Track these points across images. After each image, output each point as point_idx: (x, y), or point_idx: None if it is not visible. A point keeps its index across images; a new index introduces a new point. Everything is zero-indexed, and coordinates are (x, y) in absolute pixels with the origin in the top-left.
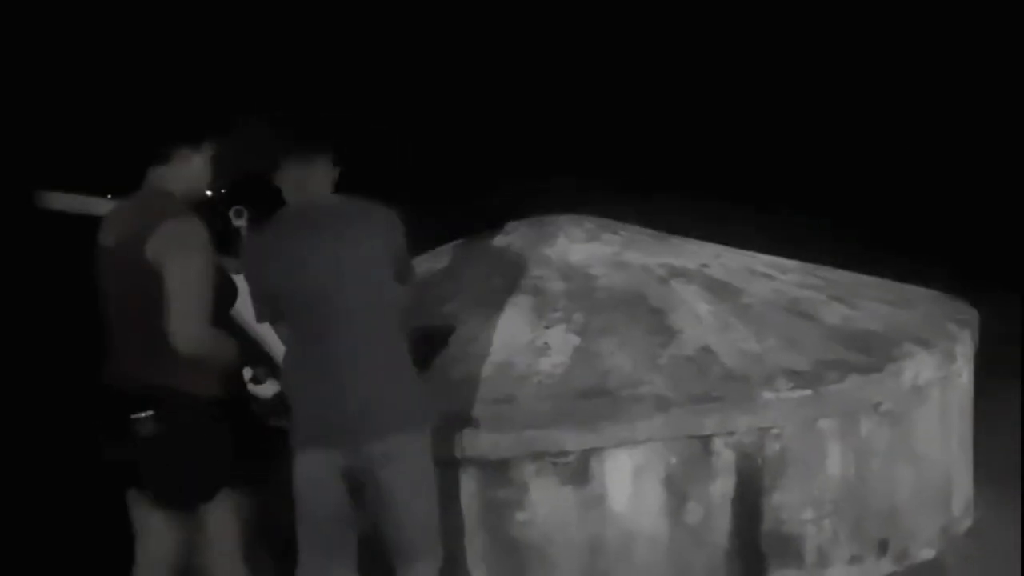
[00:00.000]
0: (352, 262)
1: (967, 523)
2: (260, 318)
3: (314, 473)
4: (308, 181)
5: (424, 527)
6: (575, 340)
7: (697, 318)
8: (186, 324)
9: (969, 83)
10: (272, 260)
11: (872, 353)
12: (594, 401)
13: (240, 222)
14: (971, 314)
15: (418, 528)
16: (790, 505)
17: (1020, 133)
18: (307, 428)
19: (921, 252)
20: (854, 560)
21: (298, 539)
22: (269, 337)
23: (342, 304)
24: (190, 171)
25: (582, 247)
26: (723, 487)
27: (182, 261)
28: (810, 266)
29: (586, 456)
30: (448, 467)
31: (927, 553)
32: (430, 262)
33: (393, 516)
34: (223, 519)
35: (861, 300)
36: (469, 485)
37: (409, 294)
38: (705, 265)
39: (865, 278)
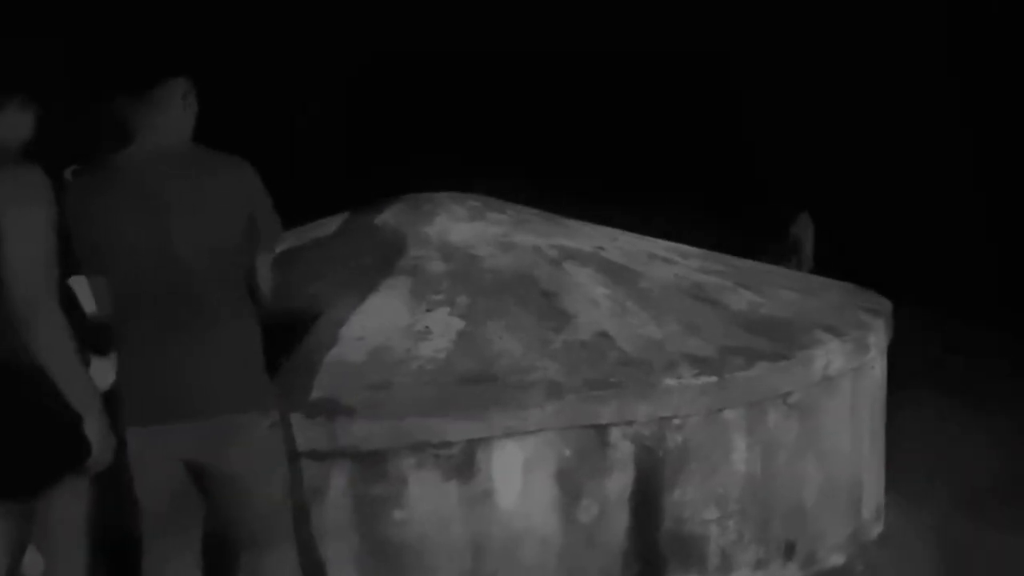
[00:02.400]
0: (198, 222)
1: (877, 529)
2: (82, 271)
3: (150, 453)
4: (151, 122)
5: (273, 513)
6: (459, 324)
7: (592, 302)
8: (30, 286)
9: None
10: (102, 212)
11: (780, 340)
12: (480, 387)
13: None
14: (884, 304)
15: (266, 514)
16: (692, 503)
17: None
18: (142, 404)
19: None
20: (759, 564)
21: (144, 540)
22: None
23: (185, 267)
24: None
25: (465, 226)
26: (620, 482)
27: (23, 214)
28: (713, 253)
29: (471, 447)
30: (317, 460)
31: (836, 559)
32: (297, 240)
33: (237, 501)
34: (66, 510)
35: (768, 287)
36: (340, 480)
37: (268, 264)
38: (601, 248)
39: (771, 267)
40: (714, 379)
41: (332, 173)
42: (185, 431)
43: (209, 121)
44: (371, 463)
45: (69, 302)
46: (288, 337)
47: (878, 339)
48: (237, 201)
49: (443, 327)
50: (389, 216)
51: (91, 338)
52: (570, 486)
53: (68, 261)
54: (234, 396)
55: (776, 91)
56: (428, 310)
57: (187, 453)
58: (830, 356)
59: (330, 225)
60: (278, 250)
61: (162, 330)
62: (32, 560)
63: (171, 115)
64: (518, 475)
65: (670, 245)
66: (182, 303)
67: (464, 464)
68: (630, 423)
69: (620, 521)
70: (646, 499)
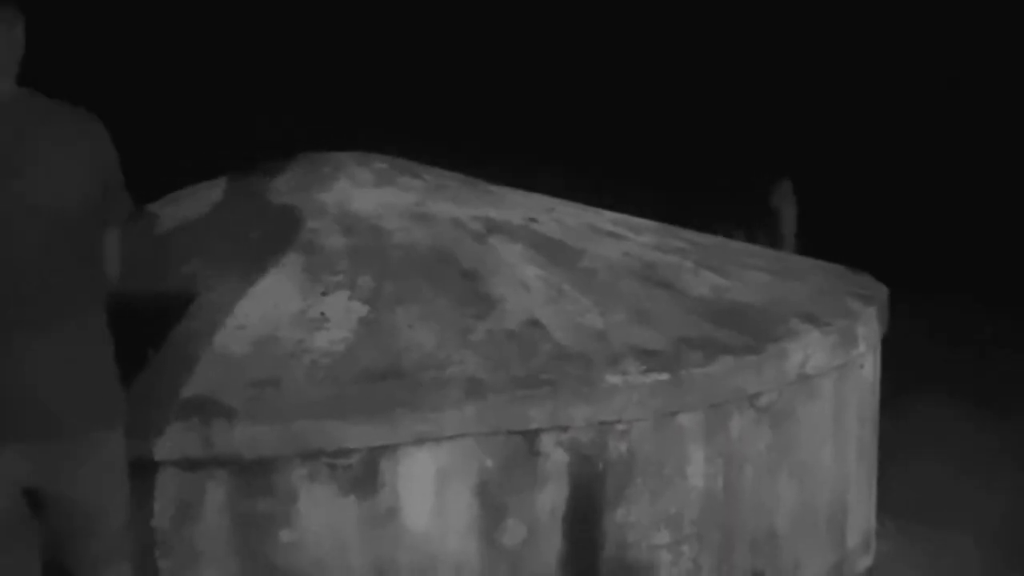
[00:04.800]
0: (35, 185)
1: (866, 561)
2: None
3: None
4: None
5: (117, 535)
6: (361, 310)
7: (523, 285)
8: None
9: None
10: None
11: (748, 331)
12: (386, 385)
13: None
14: (878, 290)
15: (110, 537)
16: (639, 525)
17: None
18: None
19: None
20: None
21: None
22: None
23: (17, 252)
24: None
25: (370, 193)
26: (552, 499)
27: None
28: (672, 228)
29: (374, 456)
30: (189, 470)
31: None
32: (166, 207)
33: (82, 527)
34: None
35: (736, 268)
36: (217, 494)
37: (116, 240)
38: (533, 220)
39: (741, 244)
40: (666, 376)
41: (207, 129)
42: (21, 453)
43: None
44: (255, 474)
45: None
46: (157, 325)
47: (868, 331)
48: (84, 162)
49: (342, 314)
50: (280, 181)
51: None
52: (492, 503)
53: None
54: (81, 410)
55: (755, 41)
56: (324, 293)
57: (24, 478)
58: (808, 350)
59: (208, 192)
60: (136, 222)
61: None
62: None
63: (8, 51)
64: (430, 490)
65: (619, 217)
66: (13, 291)
67: (365, 476)
68: (565, 429)
69: (552, 545)
70: (583, 519)
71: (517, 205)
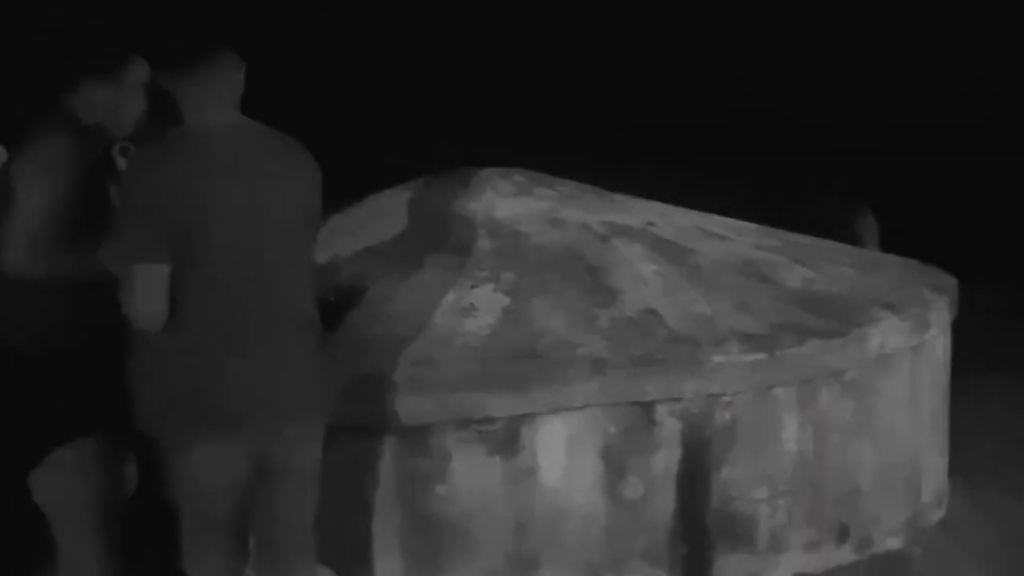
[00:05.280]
0: (276, 208)
1: (938, 514)
2: (132, 255)
3: (218, 468)
4: (212, 95)
5: (311, 527)
6: (504, 300)
7: (641, 279)
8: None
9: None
10: (178, 190)
11: (835, 318)
12: (524, 363)
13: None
14: (948, 281)
15: (308, 528)
16: (741, 482)
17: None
18: (208, 412)
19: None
20: (811, 546)
21: (188, 542)
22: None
23: (261, 258)
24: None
25: (511, 202)
26: (666, 460)
27: (25, 184)
28: (769, 229)
29: (515, 423)
30: (361, 435)
31: (892, 543)
32: (337, 217)
33: (286, 513)
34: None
35: (824, 264)
36: (384, 455)
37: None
38: (651, 223)
39: (829, 243)
40: (764, 356)
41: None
42: (257, 441)
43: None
44: (415, 438)
45: None
46: (334, 313)
47: (940, 317)
48: (310, 191)
49: (488, 304)
50: (435, 192)
51: None
52: (615, 463)
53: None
54: (306, 398)
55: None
56: (473, 287)
57: (254, 465)
58: (886, 334)
59: (375, 202)
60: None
61: (235, 327)
62: None
63: (235, 90)
64: (562, 452)
65: (724, 221)
66: (263, 298)
67: (508, 440)
68: (677, 400)
69: (666, 499)
70: (693, 477)
71: (637, 211)
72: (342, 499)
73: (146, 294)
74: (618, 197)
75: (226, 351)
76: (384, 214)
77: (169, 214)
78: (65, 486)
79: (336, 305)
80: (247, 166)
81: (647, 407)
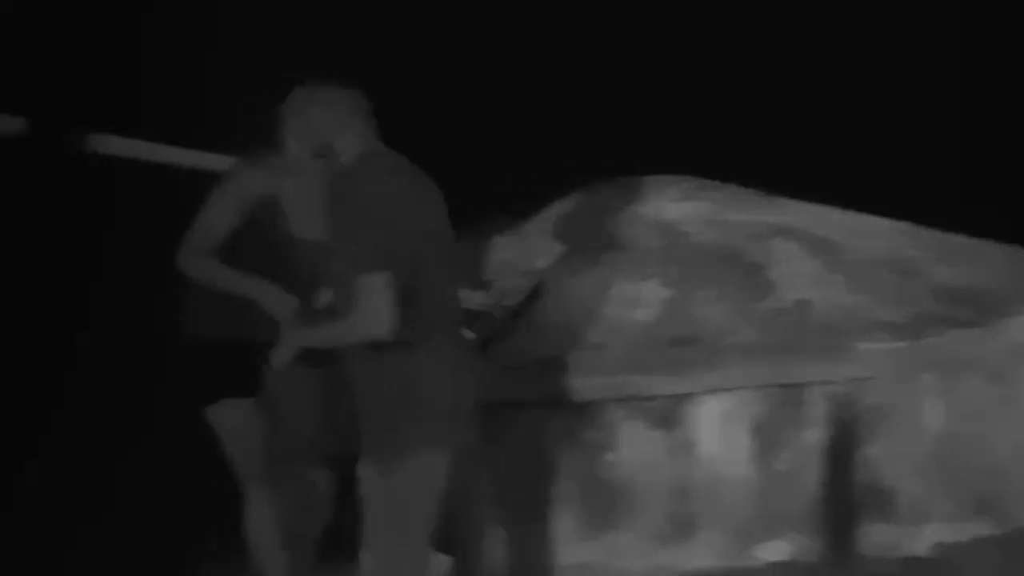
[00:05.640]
0: (447, 230)
1: None
2: (375, 263)
3: (443, 477)
4: (369, 128)
5: None
6: (667, 293)
7: (796, 274)
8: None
9: None
10: (404, 205)
11: (977, 309)
12: (685, 349)
13: None
14: None
15: None
16: (885, 458)
17: None
18: (437, 421)
19: None
20: (951, 519)
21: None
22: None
23: (437, 271)
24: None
25: (678, 205)
26: (816, 437)
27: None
28: (917, 227)
29: (676, 401)
30: (540, 409)
31: None
32: (526, 221)
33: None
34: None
35: (973, 260)
36: (560, 426)
37: None
38: (808, 223)
39: (981, 242)
40: (907, 344)
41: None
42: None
43: None
44: (586, 412)
45: None
46: (519, 305)
47: None
48: (440, 211)
49: (653, 296)
50: (607, 198)
51: None
52: (767, 439)
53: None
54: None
55: None
56: (640, 281)
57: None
58: None
59: (554, 208)
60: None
61: (447, 339)
62: None
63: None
64: (718, 427)
65: (880, 220)
66: (440, 312)
67: (669, 416)
68: (825, 383)
69: (815, 472)
70: (840, 453)
71: (796, 211)
72: (523, 466)
73: (388, 302)
74: (778, 199)
75: (435, 357)
76: (562, 218)
77: (399, 226)
78: (244, 419)
79: (522, 298)
80: (424, 187)
81: (798, 389)
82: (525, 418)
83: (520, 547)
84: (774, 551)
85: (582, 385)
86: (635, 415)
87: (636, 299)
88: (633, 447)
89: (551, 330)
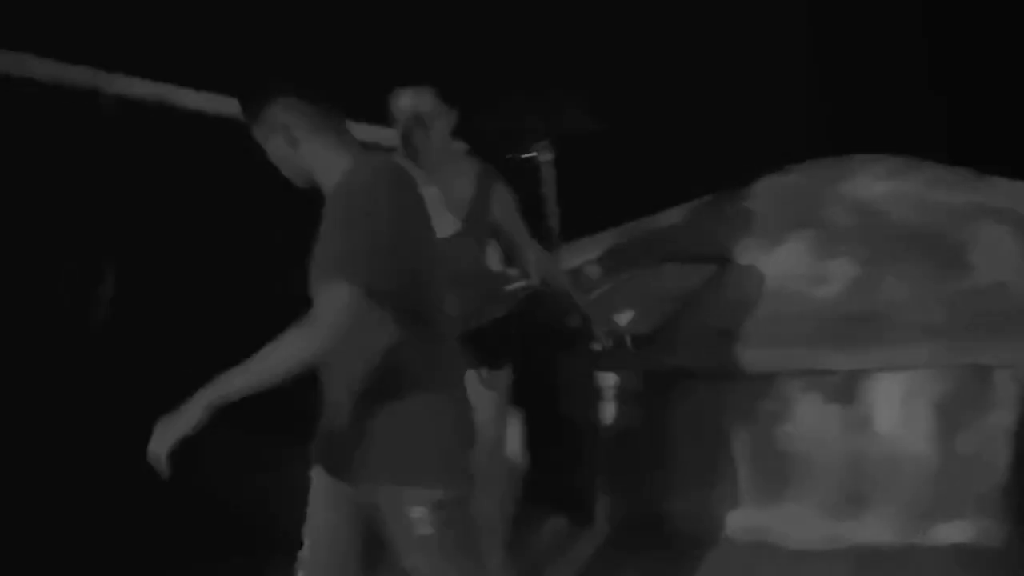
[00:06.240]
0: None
1: None
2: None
3: None
4: None
5: None
6: (855, 271)
7: (998, 256)
8: None
9: None
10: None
11: None
12: (863, 325)
13: (546, 158)
14: None
15: None
16: None
17: None
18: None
19: None
20: None
21: None
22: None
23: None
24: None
25: (879, 184)
26: (1001, 419)
27: None
28: None
29: (853, 377)
30: (717, 380)
31: None
32: (718, 199)
33: None
34: None
35: None
36: (737, 397)
37: None
38: (1019, 205)
39: None
40: None
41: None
42: None
43: None
44: (764, 384)
45: None
46: (700, 279)
47: None
48: None
49: (839, 273)
50: (807, 176)
51: None
52: (949, 419)
53: None
54: None
55: None
56: (829, 259)
57: None
58: None
59: (756, 184)
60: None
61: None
62: None
63: None
64: (897, 405)
65: None
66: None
67: (845, 391)
68: (1014, 366)
69: (999, 455)
70: None
71: (1007, 193)
72: (699, 434)
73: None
74: (990, 179)
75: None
76: (758, 195)
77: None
78: None
79: (705, 272)
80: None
81: (983, 370)
82: (696, 387)
83: (696, 512)
84: (954, 532)
85: (760, 357)
86: (811, 388)
87: (823, 276)
88: (809, 420)
89: (731, 304)
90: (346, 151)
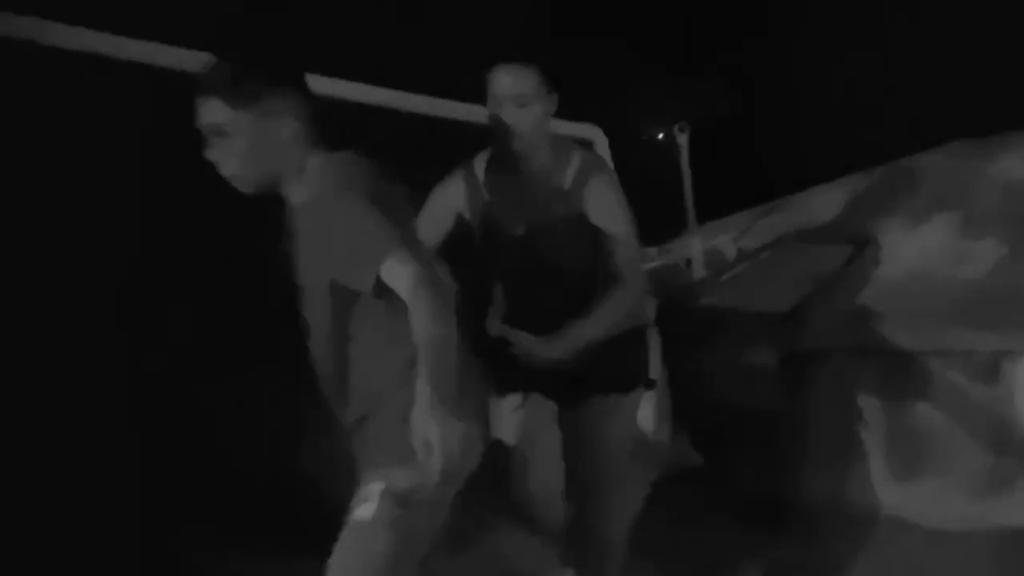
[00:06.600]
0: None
1: None
2: None
3: None
4: None
5: None
6: (1002, 251)
7: None
8: None
9: None
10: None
11: None
12: (1006, 306)
13: (683, 138)
14: None
15: None
16: None
17: None
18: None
19: None
20: None
21: None
22: None
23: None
24: None
25: None
26: None
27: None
28: None
29: (995, 357)
30: (851, 356)
31: None
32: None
33: None
34: None
35: None
36: (872, 374)
37: None
38: None
39: None
40: None
41: None
42: None
43: None
44: (900, 361)
45: None
46: (840, 259)
47: None
48: None
49: (984, 254)
50: (954, 157)
51: None
52: None
53: None
54: None
55: None
56: (974, 240)
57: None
58: None
59: (900, 163)
60: None
61: None
62: None
63: None
64: None
65: None
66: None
67: (987, 371)
68: None
69: None
70: None
71: None
72: (837, 410)
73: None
74: None
75: None
76: (904, 176)
77: None
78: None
79: (846, 253)
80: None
81: None
82: (833, 364)
83: (832, 490)
84: None
85: (900, 336)
86: (950, 367)
87: (966, 256)
88: (950, 398)
89: (873, 282)
90: (321, 151)
